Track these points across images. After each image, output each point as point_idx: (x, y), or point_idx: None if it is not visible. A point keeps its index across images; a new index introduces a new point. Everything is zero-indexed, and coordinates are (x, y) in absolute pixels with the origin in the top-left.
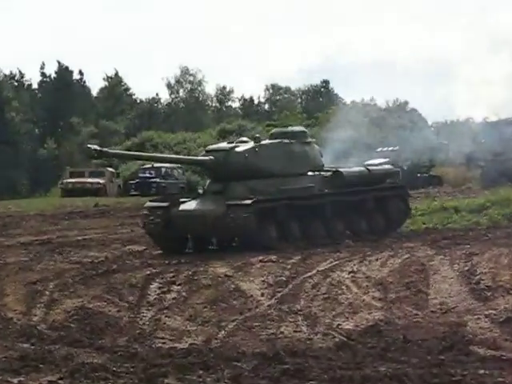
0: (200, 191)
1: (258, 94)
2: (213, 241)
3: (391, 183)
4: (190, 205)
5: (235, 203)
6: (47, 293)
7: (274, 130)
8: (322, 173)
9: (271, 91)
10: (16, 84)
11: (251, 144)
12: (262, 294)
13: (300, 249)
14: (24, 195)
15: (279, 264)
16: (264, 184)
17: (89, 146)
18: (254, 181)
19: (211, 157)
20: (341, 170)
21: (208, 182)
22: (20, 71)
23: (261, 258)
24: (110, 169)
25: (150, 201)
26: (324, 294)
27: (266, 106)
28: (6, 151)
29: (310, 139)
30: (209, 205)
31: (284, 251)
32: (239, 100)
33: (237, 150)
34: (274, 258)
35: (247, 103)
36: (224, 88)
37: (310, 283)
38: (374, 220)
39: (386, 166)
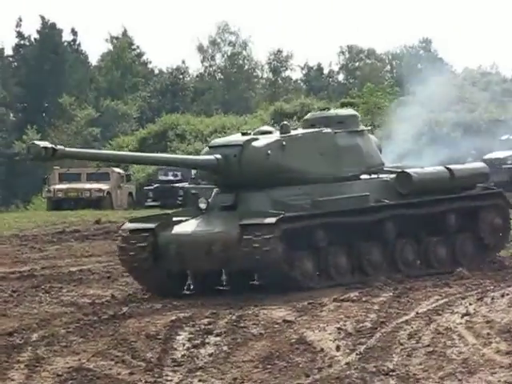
0: (202, 206)
1: (329, 59)
2: (222, 278)
3: (484, 189)
4: (188, 226)
5: (252, 223)
6: (29, 348)
7: (309, 115)
8: (382, 175)
9: (348, 55)
10: None
11: (276, 136)
12: (338, 348)
13: (391, 282)
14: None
15: (362, 304)
16: (294, 194)
17: (34, 142)
18: (279, 189)
19: (218, 156)
20: (408, 170)
21: (214, 191)
22: None
23: (335, 295)
24: (118, 169)
25: (131, 221)
26: (427, 346)
27: (341, 77)
28: None
29: (363, 127)
30: (215, 225)
31: (368, 285)
32: (301, 69)
33: (254, 144)
34: (354, 295)
35: (313, 73)
36: (279, 52)
37: (406, 331)
38: (459, 243)
39: (475, 165)
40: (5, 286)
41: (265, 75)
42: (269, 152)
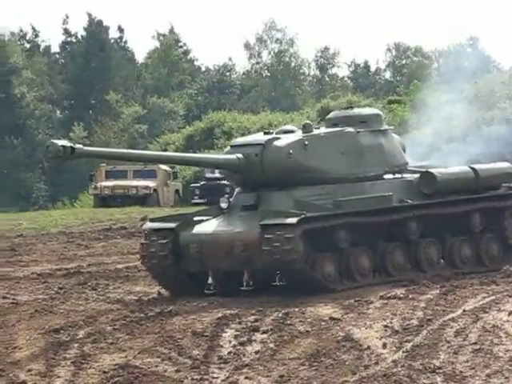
0: (224, 205)
1: (376, 57)
2: (244, 277)
3: (509, 188)
4: (209, 226)
5: (274, 223)
6: (75, 345)
7: (332, 114)
8: (405, 175)
9: (395, 53)
10: (28, 46)
11: (298, 135)
12: (385, 345)
13: (439, 279)
14: (41, 206)
15: (408, 301)
16: (316, 193)
17: (53, 141)
18: (301, 189)
19: (239, 155)
20: (432, 170)
21: (236, 191)
22: (33, 28)
23: (382, 292)
24: (164, 166)
25: (151, 220)
26: (473, 344)
27: (388, 75)
28: (16, 143)
29: (386, 126)
30: (236, 226)
31: (415, 282)
32: (348, 66)
33: (276, 144)
34: (400, 292)
35: (360, 70)
36: (326, 50)
37: (453, 329)
38: (483, 243)
39: (501, 164)
40: (51, 283)
41: (311, 72)
42: (291, 151)
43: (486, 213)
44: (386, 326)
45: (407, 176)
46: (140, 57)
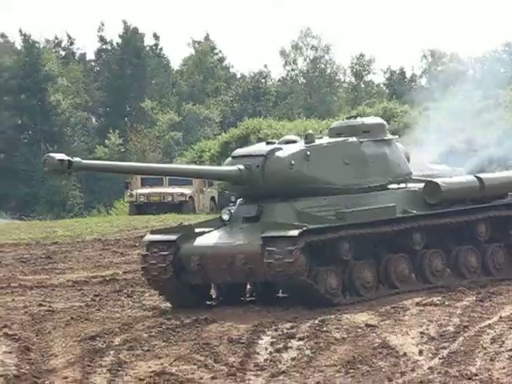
0: (225, 217)
1: (412, 63)
2: (247, 289)
3: None
4: (210, 238)
5: (275, 235)
6: (111, 352)
7: (335, 124)
8: (410, 185)
9: (430, 60)
10: (63, 54)
11: (300, 145)
12: (421, 352)
13: (474, 286)
14: (76, 213)
15: (445, 308)
16: (319, 205)
17: (50, 155)
18: (304, 200)
19: (241, 166)
20: (436, 180)
21: (238, 203)
22: (69, 35)
23: (418, 299)
24: None
25: (152, 232)
26: (510, 350)
27: (424, 81)
28: (51, 150)
29: (390, 136)
30: (237, 238)
31: (451, 289)
32: (384, 73)
33: (278, 154)
34: (437, 299)
35: (396, 77)
36: (362, 56)
37: (489, 335)
38: (490, 253)
39: (507, 173)
40: (87, 291)
41: (347, 79)
42: (292, 162)
43: (492, 222)
44: (422, 333)
45: (411, 186)
46: (175, 64)
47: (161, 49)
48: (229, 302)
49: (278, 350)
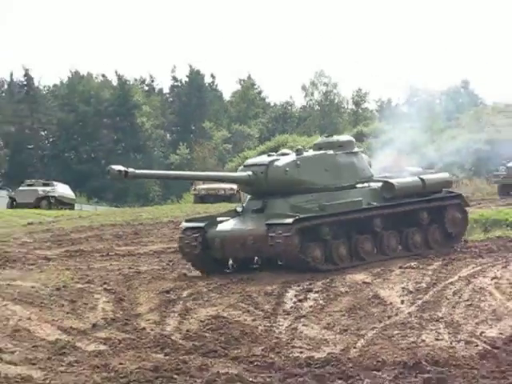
0: (239, 209)
1: (396, 96)
2: (256, 260)
3: (448, 192)
4: (228, 225)
5: (275, 222)
6: (181, 302)
7: (317, 141)
8: (372, 184)
9: (409, 92)
10: (147, 88)
11: (292, 157)
12: (402, 302)
13: (440, 254)
14: (156, 202)
15: (419, 270)
16: (306, 200)
17: (112, 167)
18: (295, 197)
19: (250, 172)
20: (391, 180)
21: (247, 199)
22: (151, 75)
23: (400, 264)
24: None
25: (186, 221)
26: (466, 300)
27: (404, 108)
28: (138, 158)
29: (357, 149)
30: (248, 225)
31: (424, 256)
32: (376, 102)
33: (276, 164)
34: (414, 264)
35: (384, 105)
36: (360, 90)
37: (451, 290)
38: (430, 233)
39: (441, 174)
40: (163, 258)
41: (349, 106)
42: (287, 169)
43: (431, 210)
44: (403, 288)
45: (373, 185)
46: (226, 95)
47: (216, 85)
48: (242, 270)
49: (300, 300)
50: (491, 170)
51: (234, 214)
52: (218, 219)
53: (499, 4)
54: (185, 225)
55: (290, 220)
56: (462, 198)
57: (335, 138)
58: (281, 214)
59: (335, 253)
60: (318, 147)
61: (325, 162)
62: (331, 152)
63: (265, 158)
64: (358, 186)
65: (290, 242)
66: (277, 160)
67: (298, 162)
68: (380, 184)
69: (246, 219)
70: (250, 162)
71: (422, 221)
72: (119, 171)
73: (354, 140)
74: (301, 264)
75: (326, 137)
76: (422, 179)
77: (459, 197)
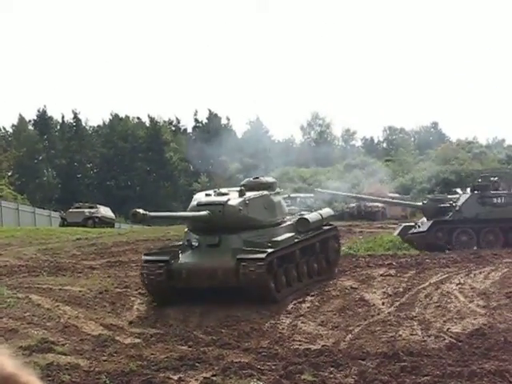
0: (195, 243)
1: (378, 134)
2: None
3: (328, 225)
4: (192, 258)
5: (248, 257)
6: (201, 303)
7: (245, 181)
8: (288, 221)
9: (388, 132)
10: (173, 128)
11: (242, 196)
12: (383, 303)
13: (414, 264)
14: (180, 222)
15: (397, 277)
16: (255, 235)
17: (137, 210)
18: (245, 233)
19: (208, 212)
20: (306, 216)
21: (197, 235)
22: (177, 118)
23: (381, 272)
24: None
25: (146, 254)
26: (436, 302)
27: (384, 145)
28: (166, 186)
29: (278, 189)
30: (213, 258)
31: (401, 266)
32: (361, 140)
33: (231, 203)
34: (392, 272)
35: (368, 142)
36: (348, 130)
37: (423, 293)
38: (319, 260)
39: (327, 210)
40: None
41: (340, 143)
42: (240, 208)
43: (321, 241)
44: (384, 292)
45: (290, 222)
46: (239, 134)
47: (231, 126)
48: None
49: (299, 302)
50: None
51: (188, 248)
52: (179, 251)
53: (464, 55)
54: (147, 258)
55: (262, 255)
56: (336, 229)
57: (263, 179)
58: (249, 249)
59: (280, 282)
60: (248, 187)
61: (264, 201)
62: (266, 193)
63: (219, 198)
64: (285, 222)
65: (264, 275)
66: (230, 199)
67: (247, 202)
68: (296, 219)
69: (205, 253)
70: (203, 201)
71: (316, 250)
72: (142, 214)
73: (276, 181)
74: (268, 293)
75: (254, 178)
76: (321, 215)
77: (335, 229)
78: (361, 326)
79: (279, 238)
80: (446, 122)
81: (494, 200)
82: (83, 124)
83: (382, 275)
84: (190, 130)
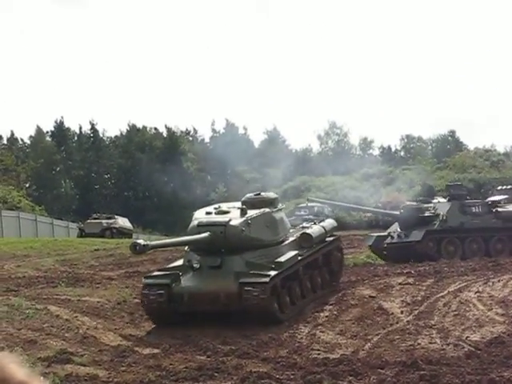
0: (196, 265)
1: (395, 143)
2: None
3: (331, 236)
4: (193, 281)
5: (251, 281)
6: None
7: (246, 198)
8: (291, 237)
9: (406, 140)
10: (191, 139)
11: (241, 216)
12: (402, 312)
13: (433, 272)
14: None
15: (416, 286)
16: (257, 255)
17: (137, 241)
18: (247, 253)
19: (209, 233)
20: (308, 231)
21: (198, 256)
22: (194, 128)
23: (400, 280)
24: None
25: (146, 277)
26: (454, 310)
27: (402, 153)
28: (184, 195)
29: (280, 206)
30: (215, 281)
31: (419, 274)
32: (379, 148)
33: (233, 223)
34: (411, 280)
35: (386, 151)
36: (366, 139)
37: (442, 302)
38: (323, 272)
39: (331, 221)
40: None
41: (357, 152)
42: (243, 228)
43: (324, 254)
44: (402, 301)
45: (292, 238)
46: (256, 143)
47: (248, 135)
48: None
49: (317, 311)
50: None
51: (189, 269)
52: (180, 274)
53: (483, 63)
54: (147, 281)
55: (266, 279)
56: (339, 240)
57: (264, 195)
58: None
59: (284, 303)
60: (249, 204)
61: (266, 219)
62: (268, 210)
63: (221, 219)
64: (287, 239)
65: (267, 300)
66: (232, 220)
67: (249, 221)
68: (299, 234)
69: (207, 275)
70: (204, 222)
71: (320, 264)
72: (143, 245)
73: (278, 197)
74: (272, 316)
75: (255, 195)
76: (323, 228)
77: (338, 239)
78: (379, 334)
79: (282, 259)
80: (464, 130)
81: (473, 209)
82: (100, 135)
83: (400, 284)
84: (207, 139)
